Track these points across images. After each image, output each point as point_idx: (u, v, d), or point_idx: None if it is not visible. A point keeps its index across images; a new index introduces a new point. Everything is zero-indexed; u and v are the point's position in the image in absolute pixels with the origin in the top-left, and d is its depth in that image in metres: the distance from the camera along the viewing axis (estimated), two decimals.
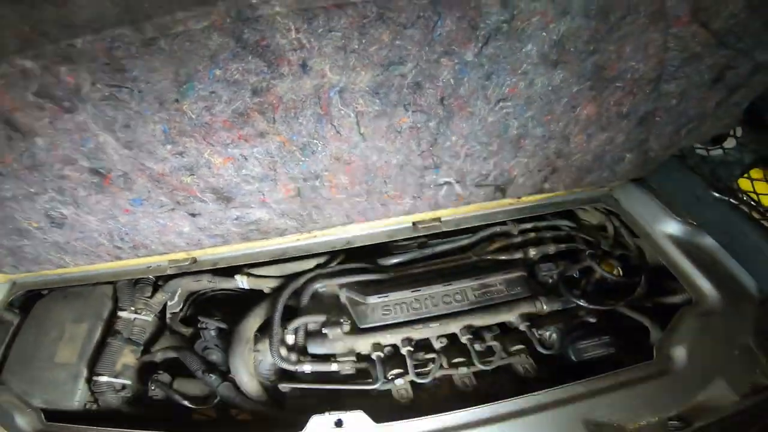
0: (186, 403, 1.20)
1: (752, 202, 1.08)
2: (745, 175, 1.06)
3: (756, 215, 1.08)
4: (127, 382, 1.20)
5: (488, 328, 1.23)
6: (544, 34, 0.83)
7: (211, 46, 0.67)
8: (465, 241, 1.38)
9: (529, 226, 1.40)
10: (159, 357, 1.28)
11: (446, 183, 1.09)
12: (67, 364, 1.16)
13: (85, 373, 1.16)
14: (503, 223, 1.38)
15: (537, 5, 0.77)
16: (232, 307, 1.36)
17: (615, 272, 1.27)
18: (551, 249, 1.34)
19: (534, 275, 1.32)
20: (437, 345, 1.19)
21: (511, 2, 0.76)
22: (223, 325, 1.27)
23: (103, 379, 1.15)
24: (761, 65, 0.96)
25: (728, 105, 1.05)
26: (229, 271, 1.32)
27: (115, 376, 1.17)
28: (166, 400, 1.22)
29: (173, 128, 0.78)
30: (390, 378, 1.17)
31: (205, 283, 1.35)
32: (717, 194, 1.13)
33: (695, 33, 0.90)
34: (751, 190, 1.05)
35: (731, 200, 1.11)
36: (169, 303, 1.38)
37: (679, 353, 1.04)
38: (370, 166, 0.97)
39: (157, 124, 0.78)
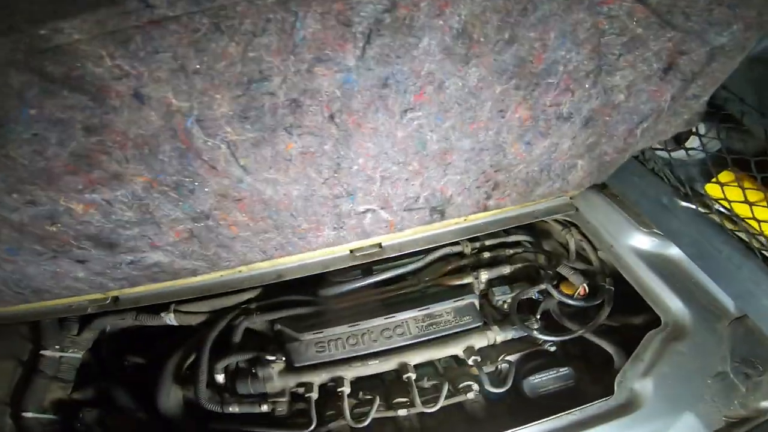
0: None
1: (723, 210, 0.92)
2: (713, 180, 0.91)
3: (728, 224, 0.92)
4: (55, 417, 1.13)
5: (433, 363, 1.11)
6: (441, 22, 0.69)
7: (13, 84, 0.56)
8: (412, 266, 1.24)
9: (484, 243, 1.27)
10: (91, 392, 1.20)
11: (368, 210, 0.96)
12: None
13: (8, 410, 1.09)
14: (456, 243, 1.25)
15: None
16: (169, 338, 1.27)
17: (577, 293, 1.12)
18: (506, 270, 1.20)
19: (489, 300, 1.19)
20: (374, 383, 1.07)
21: None
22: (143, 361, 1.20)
23: (29, 415, 1.08)
24: (717, 49, 0.81)
25: (685, 98, 0.90)
26: (157, 307, 1.23)
27: (43, 412, 1.11)
28: None
29: (9, 176, 0.67)
30: (326, 420, 1.07)
31: (131, 321, 1.26)
32: (682, 202, 0.98)
33: (631, 11, 0.76)
34: (721, 196, 0.90)
35: (699, 208, 0.96)
36: (102, 339, 1.31)
37: (644, 385, 0.90)
38: (267, 201, 0.85)
39: None
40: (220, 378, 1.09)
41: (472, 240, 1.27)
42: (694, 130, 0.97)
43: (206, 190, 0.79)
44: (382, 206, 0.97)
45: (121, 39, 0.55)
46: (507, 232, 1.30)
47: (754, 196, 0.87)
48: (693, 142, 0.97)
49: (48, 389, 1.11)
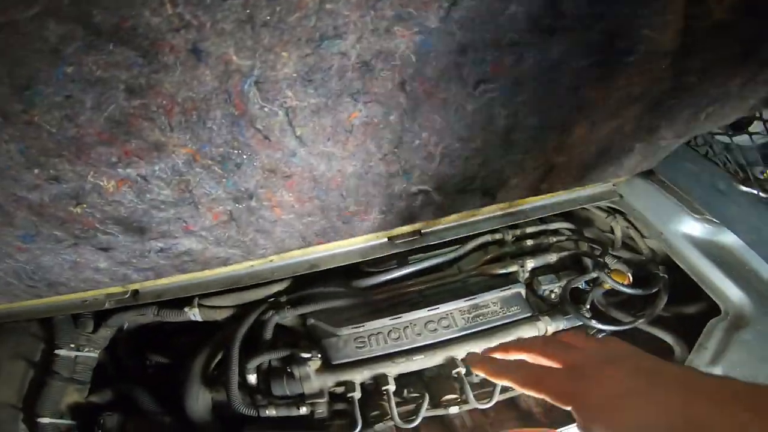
0: None
1: None
2: None
3: None
4: (73, 422, 1.03)
5: None
6: None
7: (50, 37, 0.45)
8: (452, 255, 1.18)
9: (525, 231, 1.21)
10: (110, 395, 1.10)
11: (421, 192, 0.88)
12: (4, 403, 0.99)
13: (22, 414, 0.99)
14: (495, 231, 1.19)
15: None
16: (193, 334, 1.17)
17: (627, 281, 1.08)
18: (552, 258, 1.14)
19: (534, 290, 1.14)
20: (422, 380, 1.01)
21: None
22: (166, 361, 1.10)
23: (45, 420, 0.99)
24: None
25: (756, 82, 0.86)
26: (179, 302, 1.12)
27: (60, 417, 1.01)
28: None
29: (31, 147, 0.56)
30: (371, 421, 1.00)
31: (151, 317, 1.15)
32: (743, 187, 0.94)
33: None
34: None
35: (761, 194, 0.93)
36: (119, 336, 1.19)
37: None
38: (318, 178, 0.76)
39: (9, 144, 0.56)
40: (252, 378, 1.00)
41: (512, 228, 1.21)
42: (757, 114, 0.93)
43: (255, 164, 0.70)
44: (436, 187, 0.89)
45: None
46: (545, 220, 1.25)
47: None
48: (757, 126, 0.93)
49: (64, 392, 1.01)
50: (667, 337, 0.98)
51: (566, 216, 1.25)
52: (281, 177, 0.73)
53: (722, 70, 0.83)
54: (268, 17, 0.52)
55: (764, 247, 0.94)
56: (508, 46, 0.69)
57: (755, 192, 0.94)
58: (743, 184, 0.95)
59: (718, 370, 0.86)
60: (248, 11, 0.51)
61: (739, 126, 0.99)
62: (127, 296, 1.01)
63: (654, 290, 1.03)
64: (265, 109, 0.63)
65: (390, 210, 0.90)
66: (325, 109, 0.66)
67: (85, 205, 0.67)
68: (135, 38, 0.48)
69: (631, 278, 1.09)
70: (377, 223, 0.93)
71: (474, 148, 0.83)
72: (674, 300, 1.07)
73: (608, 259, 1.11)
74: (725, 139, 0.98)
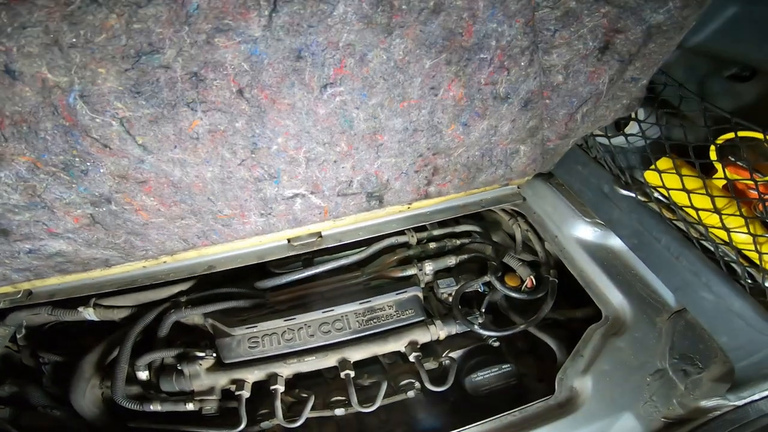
0: None
1: (661, 198, 0.90)
2: (652, 167, 0.88)
3: (667, 213, 0.89)
4: None
5: (378, 359, 1.05)
6: None
7: None
8: (356, 257, 1.19)
9: (432, 234, 1.22)
10: (6, 391, 1.10)
11: (297, 195, 0.89)
12: None
13: None
14: (402, 233, 1.19)
15: None
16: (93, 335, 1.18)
17: (525, 285, 1.08)
18: (452, 261, 1.15)
19: (434, 293, 1.14)
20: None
21: None
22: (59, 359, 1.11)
23: None
24: (654, 28, 0.77)
25: (624, 81, 0.87)
26: (77, 302, 1.14)
27: None
28: None
29: None
30: (258, 419, 1.00)
31: (45, 317, 1.16)
32: (622, 191, 0.95)
33: None
34: (660, 184, 0.87)
35: (638, 197, 0.93)
36: (18, 336, 1.20)
37: (584, 383, 0.87)
38: (177, 183, 0.77)
39: None
40: (143, 375, 1.01)
41: (419, 230, 1.22)
42: (633, 116, 0.94)
43: (102, 171, 0.72)
44: (311, 191, 0.90)
45: None
46: (457, 222, 1.25)
47: (692, 183, 0.84)
48: (632, 128, 0.94)
49: None
50: (551, 342, 0.98)
51: (475, 218, 1.25)
52: (135, 182, 0.75)
53: (584, 67, 0.84)
54: (74, 39, 0.55)
55: (644, 251, 0.95)
56: (346, 47, 0.70)
57: (634, 195, 0.94)
58: (624, 188, 0.96)
59: (588, 380, 0.85)
60: (51, 36, 0.53)
61: (617, 127, 0.99)
62: (19, 296, 1.02)
63: (541, 294, 1.03)
64: (97, 120, 0.64)
65: (270, 213, 0.91)
66: (163, 119, 0.68)
67: None
68: None
69: (534, 281, 1.09)
70: (260, 225, 0.94)
71: (340, 152, 0.84)
72: (568, 303, 1.07)
73: (509, 261, 1.12)
74: (606, 141, 0.99)
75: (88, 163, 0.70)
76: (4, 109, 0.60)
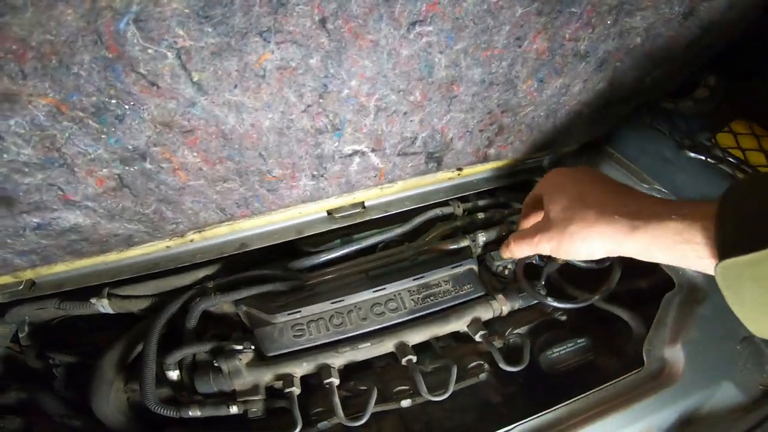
0: None
1: (735, 161, 0.88)
2: (725, 129, 0.86)
3: (740, 175, 0.88)
4: None
5: (430, 343, 0.96)
6: None
7: None
8: (399, 230, 1.09)
9: (477, 204, 1.14)
10: (13, 398, 0.92)
11: (356, 153, 0.79)
12: None
13: None
14: (445, 204, 1.11)
15: None
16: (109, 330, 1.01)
17: None
18: (505, 232, 1.08)
19: (487, 267, 1.07)
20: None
21: None
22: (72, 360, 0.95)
23: None
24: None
25: (699, 47, 0.84)
26: (88, 292, 0.96)
27: None
28: None
29: None
30: (313, 419, 0.88)
31: (53, 311, 0.98)
32: (691, 153, 0.93)
33: None
34: (734, 145, 0.85)
35: (709, 159, 0.91)
36: (20, 334, 1.00)
37: (674, 354, 0.82)
38: (228, 133, 0.65)
39: None
40: (174, 375, 0.85)
41: (462, 200, 1.14)
42: (702, 81, 0.93)
43: (142, 116, 0.58)
44: (373, 147, 0.80)
45: None
46: (495, 193, 1.19)
47: None
48: (702, 92, 0.93)
49: None
50: (624, 314, 0.93)
51: (518, 189, 1.20)
52: (180, 132, 0.62)
53: (665, 31, 0.81)
54: None
55: None
56: None
57: (702, 158, 0.92)
58: (692, 151, 0.94)
59: (678, 350, 0.81)
60: None
61: (683, 92, 0.98)
62: (21, 287, 0.84)
63: (606, 264, 0.98)
64: (150, 51, 0.52)
65: (323, 175, 0.80)
66: (229, 50, 0.56)
67: None
68: None
69: None
70: (309, 190, 0.83)
71: (412, 102, 0.75)
72: (627, 275, 1.04)
73: None
74: (669, 105, 0.97)
75: (126, 107, 0.57)
76: (30, 39, 0.46)
